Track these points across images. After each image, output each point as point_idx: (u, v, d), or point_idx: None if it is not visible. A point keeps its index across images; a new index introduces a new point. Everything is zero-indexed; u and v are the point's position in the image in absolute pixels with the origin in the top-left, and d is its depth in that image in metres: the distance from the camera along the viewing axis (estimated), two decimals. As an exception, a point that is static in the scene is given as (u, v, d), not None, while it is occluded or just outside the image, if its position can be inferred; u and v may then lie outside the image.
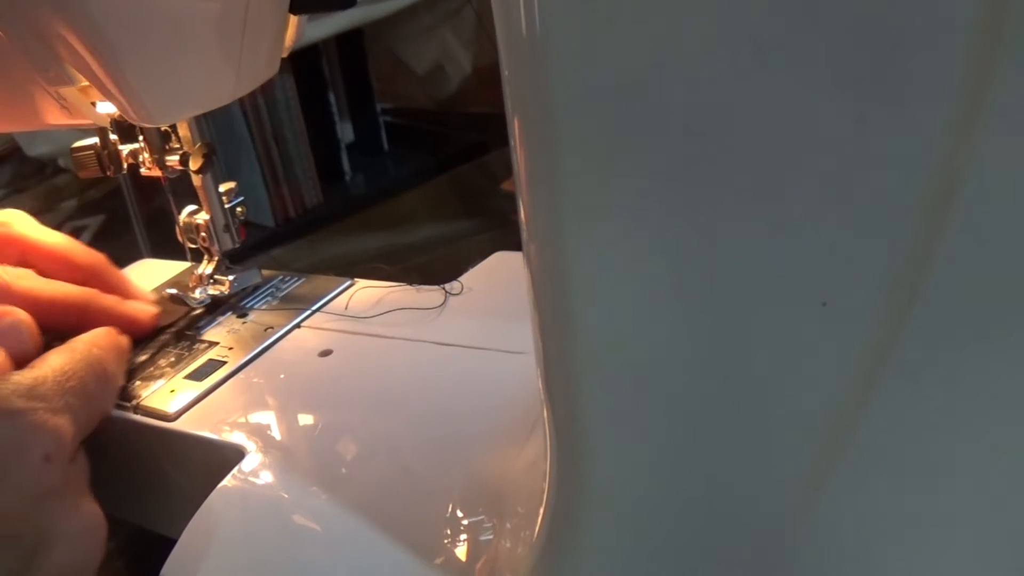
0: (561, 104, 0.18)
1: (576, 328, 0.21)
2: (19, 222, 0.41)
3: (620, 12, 0.16)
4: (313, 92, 1.09)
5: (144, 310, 0.43)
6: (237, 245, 0.46)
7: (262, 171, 1.05)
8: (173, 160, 0.43)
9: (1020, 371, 0.17)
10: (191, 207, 0.46)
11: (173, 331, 0.44)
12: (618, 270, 0.19)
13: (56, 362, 0.32)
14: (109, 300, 0.41)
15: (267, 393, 0.39)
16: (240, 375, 0.40)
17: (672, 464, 0.21)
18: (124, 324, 0.41)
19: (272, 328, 0.43)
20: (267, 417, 0.37)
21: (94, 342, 0.36)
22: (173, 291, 0.45)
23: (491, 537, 0.29)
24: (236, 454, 0.34)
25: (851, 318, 0.18)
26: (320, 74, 1.11)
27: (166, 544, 0.31)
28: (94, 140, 0.42)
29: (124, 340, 0.39)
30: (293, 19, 0.41)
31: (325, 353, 0.41)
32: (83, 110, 0.37)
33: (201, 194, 0.45)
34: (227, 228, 0.45)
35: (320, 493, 0.32)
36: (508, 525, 0.29)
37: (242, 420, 0.37)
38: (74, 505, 0.29)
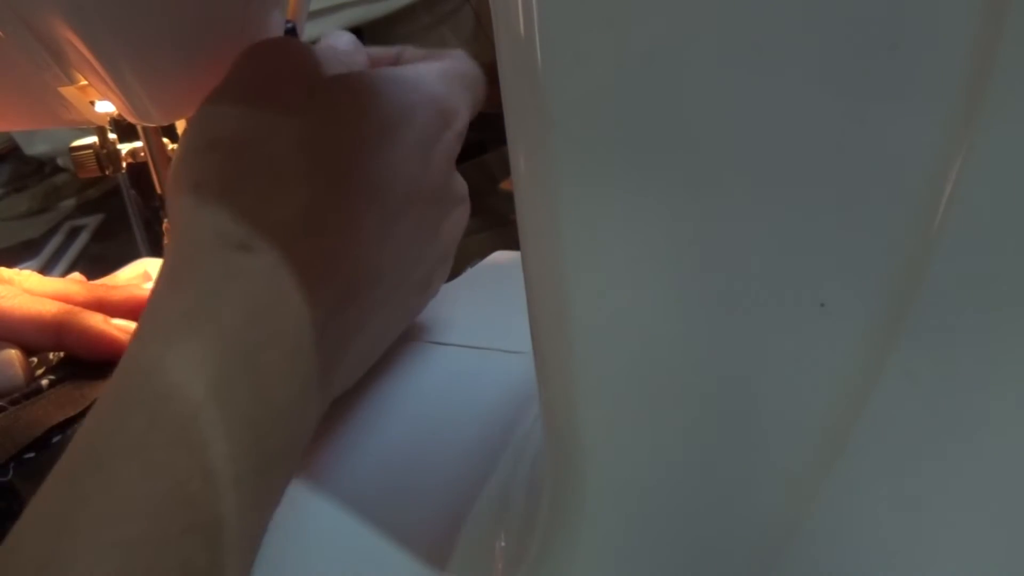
0: (558, 104, 0.18)
1: (573, 328, 0.21)
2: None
3: (618, 13, 0.16)
4: (312, 91, 1.09)
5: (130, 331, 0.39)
6: None
7: (261, 170, 1.05)
8: None
9: (1020, 372, 0.17)
10: None
11: None
12: (615, 270, 0.19)
13: None
14: (91, 320, 0.39)
15: (266, 392, 0.38)
16: (239, 374, 0.40)
17: (669, 464, 0.21)
18: (104, 346, 0.38)
19: (271, 327, 0.43)
20: (266, 416, 0.37)
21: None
22: None
23: (489, 537, 0.29)
24: (235, 453, 0.34)
25: (850, 318, 0.17)
26: (319, 73, 1.11)
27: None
28: (93, 139, 0.42)
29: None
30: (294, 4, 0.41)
31: (324, 352, 0.41)
32: (82, 109, 0.37)
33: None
34: None
35: (317, 492, 0.32)
36: (506, 524, 0.29)
37: (241, 419, 0.36)
38: None
